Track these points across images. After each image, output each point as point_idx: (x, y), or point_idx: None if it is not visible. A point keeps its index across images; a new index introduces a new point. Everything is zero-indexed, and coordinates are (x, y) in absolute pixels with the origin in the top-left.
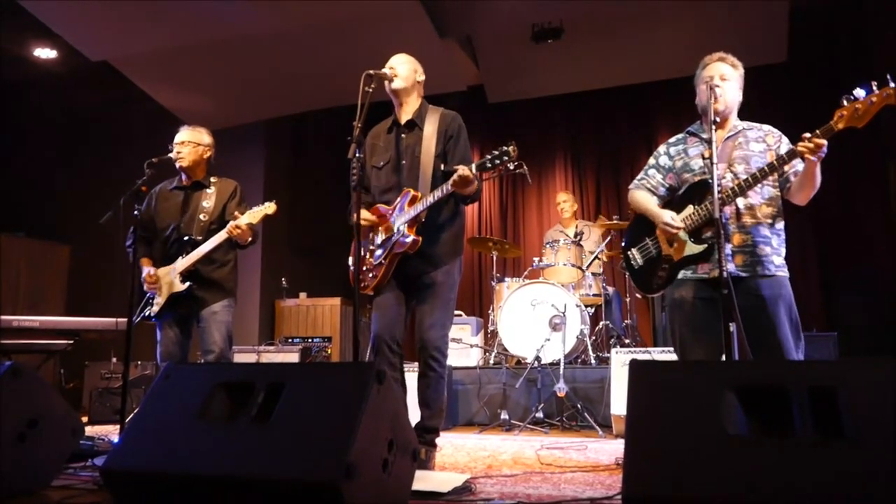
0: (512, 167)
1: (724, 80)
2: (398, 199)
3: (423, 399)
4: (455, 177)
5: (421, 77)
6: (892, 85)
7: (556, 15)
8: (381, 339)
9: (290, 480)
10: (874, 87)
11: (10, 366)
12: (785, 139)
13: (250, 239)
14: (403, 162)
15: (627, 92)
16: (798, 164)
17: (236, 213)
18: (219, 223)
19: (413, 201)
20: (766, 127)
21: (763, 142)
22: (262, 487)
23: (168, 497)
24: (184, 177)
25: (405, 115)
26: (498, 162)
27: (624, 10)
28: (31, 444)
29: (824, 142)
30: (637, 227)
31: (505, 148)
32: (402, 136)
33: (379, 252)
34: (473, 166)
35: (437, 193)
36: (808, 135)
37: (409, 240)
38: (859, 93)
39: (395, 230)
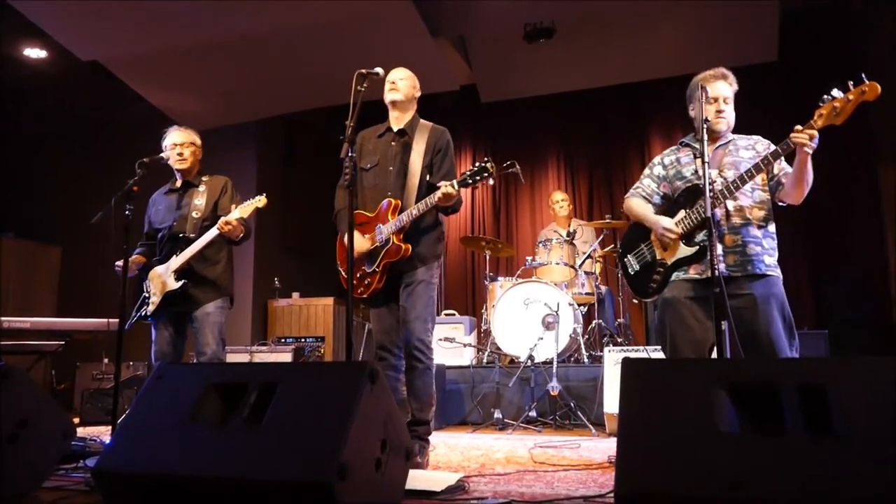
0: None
1: (727, 104)
2: (379, 206)
3: (412, 391)
4: (439, 193)
5: (417, 93)
6: (866, 81)
7: (547, 15)
8: (383, 346)
9: (283, 481)
10: (850, 86)
11: (1, 367)
12: (773, 146)
13: (242, 234)
14: (391, 168)
15: (620, 91)
16: (787, 167)
17: (231, 207)
18: (212, 220)
19: (396, 210)
20: (755, 137)
21: (753, 149)
22: (254, 488)
23: (160, 498)
24: (178, 179)
25: (398, 124)
26: (478, 178)
27: (616, 10)
28: (22, 446)
29: (816, 132)
30: (632, 234)
31: (484, 164)
32: (392, 143)
33: (370, 261)
34: (455, 182)
35: (422, 206)
36: (799, 127)
37: (400, 248)
38: (836, 92)
39: (385, 240)
